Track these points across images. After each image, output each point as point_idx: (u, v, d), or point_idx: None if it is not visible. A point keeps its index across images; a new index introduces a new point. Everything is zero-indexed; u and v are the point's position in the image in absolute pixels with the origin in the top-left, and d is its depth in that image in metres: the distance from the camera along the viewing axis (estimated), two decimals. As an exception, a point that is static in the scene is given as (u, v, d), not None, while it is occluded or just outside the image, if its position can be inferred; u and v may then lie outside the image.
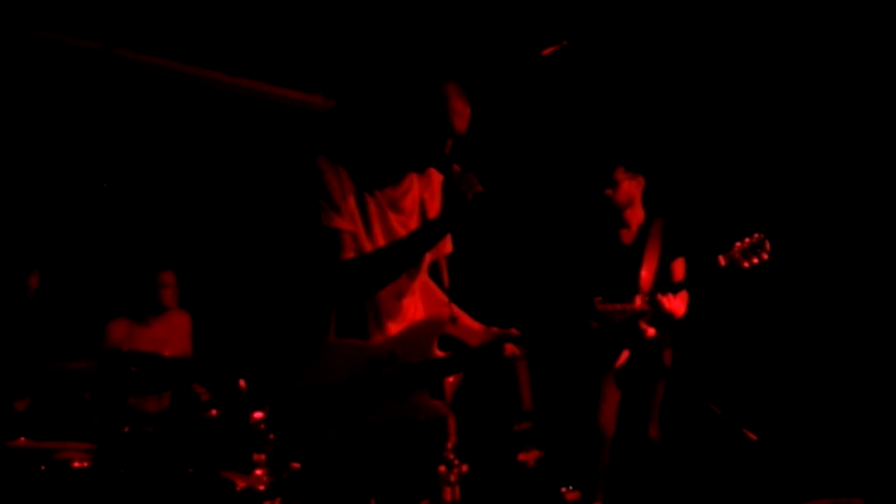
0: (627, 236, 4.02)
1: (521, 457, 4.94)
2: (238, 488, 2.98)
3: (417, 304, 2.34)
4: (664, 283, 3.79)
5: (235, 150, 4.61)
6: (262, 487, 2.96)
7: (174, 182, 4.44)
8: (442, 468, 4.94)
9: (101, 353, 3.04)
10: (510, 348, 2.24)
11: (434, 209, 2.33)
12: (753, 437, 2.93)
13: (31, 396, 3.64)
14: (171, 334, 3.99)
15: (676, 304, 3.64)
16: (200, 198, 4.46)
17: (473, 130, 2.22)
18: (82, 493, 2.96)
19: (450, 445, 4.92)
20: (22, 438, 3.10)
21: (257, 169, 4.60)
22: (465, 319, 2.37)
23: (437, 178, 2.38)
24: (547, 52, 4.57)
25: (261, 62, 4.54)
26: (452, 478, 4.90)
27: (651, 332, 3.87)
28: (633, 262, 3.90)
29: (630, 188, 3.96)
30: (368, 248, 2.17)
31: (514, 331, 2.26)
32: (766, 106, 4.52)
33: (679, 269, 3.93)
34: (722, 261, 3.55)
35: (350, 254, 2.13)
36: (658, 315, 3.64)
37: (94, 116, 4.15)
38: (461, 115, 2.15)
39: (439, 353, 2.24)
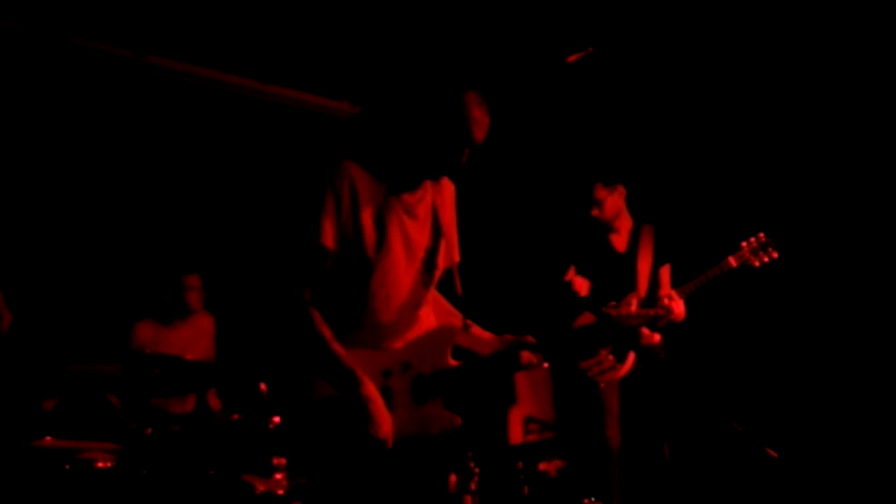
0: (620, 244, 4.03)
1: (542, 466, 4.90)
2: (258, 491, 3.00)
3: (431, 314, 2.33)
4: (656, 288, 3.84)
5: (263, 156, 4.66)
6: (281, 492, 2.98)
7: (202, 186, 4.49)
8: (461, 477, 4.90)
9: (125, 355, 3.07)
10: (526, 356, 2.21)
11: (447, 218, 2.31)
12: (774, 454, 2.93)
13: (59, 396, 3.70)
14: (196, 337, 4.04)
15: (681, 307, 3.68)
16: (228, 202, 4.51)
17: (492, 138, 2.21)
18: (105, 492, 3.00)
19: (469, 454, 4.89)
20: (48, 438, 3.16)
21: (284, 175, 4.64)
22: (475, 328, 2.35)
23: (448, 186, 2.37)
24: (572, 58, 4.55)
25: (289, 69, 4.59)
26: (472, 486, 4.87)
27: (657, 338, 3.90)
28: (627, 268, 3.93)
29: (614, 201, 3.98)
30: (380, 252, 2.14)
31: (529, 338, 2.22)
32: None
33: (666, 274, 3.94)
34: (733, 262, 3.61)
35: (314, 273, 2.08)
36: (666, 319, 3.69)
37: (124, 122, 4.22)
38: (480, 124, 2.13)
39: (453, 363, 2.22)
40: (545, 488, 4.78)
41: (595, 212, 3.96)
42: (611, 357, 3.89)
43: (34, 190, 3.93)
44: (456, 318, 2.36)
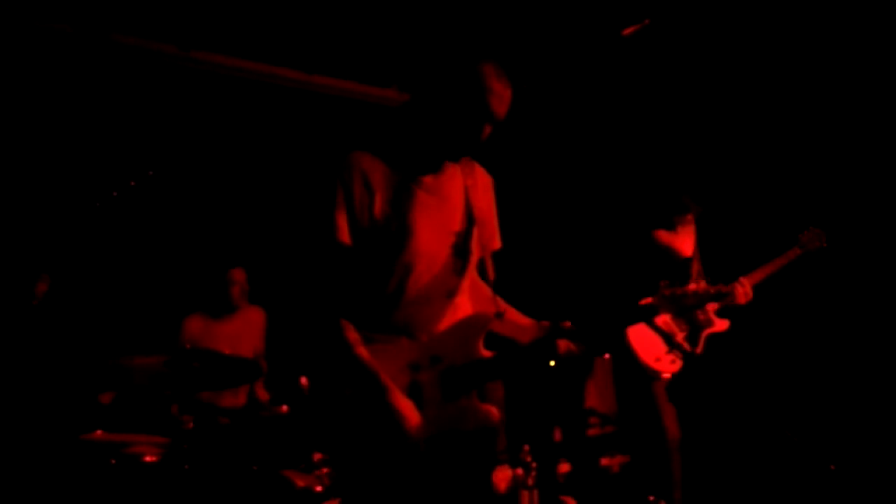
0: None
1: (605, 461, 4.69)
2: (297, 487, 2.95)
3: (466, 303, 2.18)
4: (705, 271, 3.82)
5: (313, 149, 4.62)
6: (319, 488, 2.91)
7: (251, 180, 4.49)
8: (519, 471, 4.72)
9: (166, 350, 3.07)
10: (564, 344, 2.04)
11: (481, 203, 2.16)
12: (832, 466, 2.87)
13: (116, 390, 3.76)
14: (245, 330, 4.03)
15: (749, 291, 3.68)
16: (276, 195, 4.49)
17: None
18: (150, 486, 3.00)
19: (527, 448, 4.69)
20: (99, 431, 3.20)
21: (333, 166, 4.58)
22: (513, 315, 2.19)
23: (482, 173, 2.23)
24: (628, 31, 4.31)
25: (334, 58, 4.52)
26: (530, 481, 4.67)
27: (725, 324, 3.81)
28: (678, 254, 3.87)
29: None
30: (403, 238, 2.03)
31: (567, 324, 2.05)
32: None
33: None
34: (798, 251, 3.77)
35: (338, 266, 1.99)
36: (731, 302, 3.68)
37: (173, 119, 4.25)
38: (499, 97, 1.97)
39: (486, 353, 2.07)
40: (608, 484, 4.58)
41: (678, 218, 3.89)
42: (683, 346, 3.74)
43: (89, 187, 3.99)
44: (492, 304, 2.20)
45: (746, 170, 4.70)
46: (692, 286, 2.09)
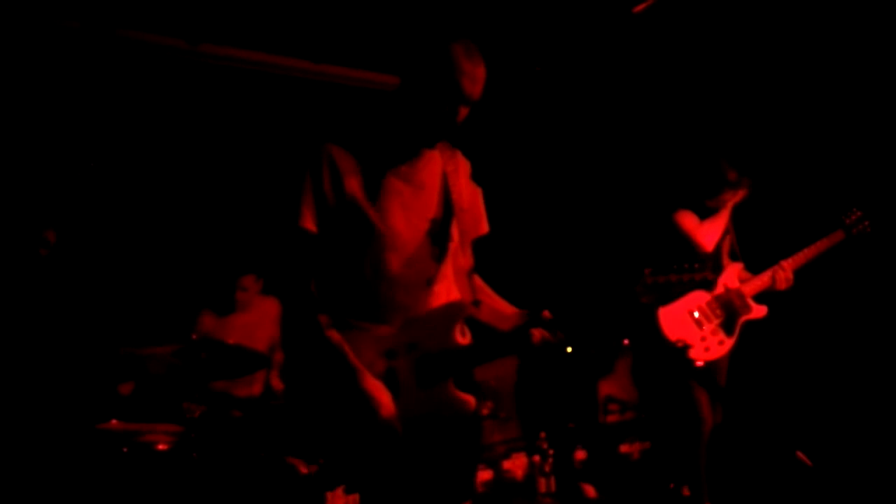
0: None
1: (624, 448, 4.64)
2: (301, 473, 2.98)
3: (451, 289, 2.16)
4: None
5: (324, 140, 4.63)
6: (304, 469, 2.95)
7: (262, 173, 4.52)
8: (536, 458, 4.70)
9: (177, 340, 3.14)
10: (538, 334, 2.01)
11: (460, 188, 2.14)
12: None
13: (135, 380, 3.85)
14: (259, 321, 4.07)
15: (790, 277, 3.55)
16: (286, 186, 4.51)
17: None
18: (164, 474, 3.08)
19: (542, 435, 4.67)
20: (114, 420, 3.29)
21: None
22: (495, 302, 2.17)
23: (463, 162, 2.21)
24: (639, 8, 4.21)
25: (341, 46, 4.52)
26: (547, 468, 4.64)
27: (764, 310, 3.67)
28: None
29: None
30: (376, 226, 2.03)
31: (545, 313, 2.02)
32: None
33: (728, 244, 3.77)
34: (841, 234, 3.56)
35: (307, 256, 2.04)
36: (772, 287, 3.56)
37: (183, 112, 4.30)
38: (471, 76, 1.94)
39: (461, 341, 2.06)
40: (628, 470, 4.53)
41: (729, 194, 3.69)
42: (713, 336, 3.65)
43: (105, 185, 4.08)
44: (481, 293, 2.19)
45: (785, 145, 4.45)
46: (675, 274, 2.02)
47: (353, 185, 2.01)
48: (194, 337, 3.12)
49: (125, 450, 3.05)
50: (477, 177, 2.27)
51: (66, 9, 3.78)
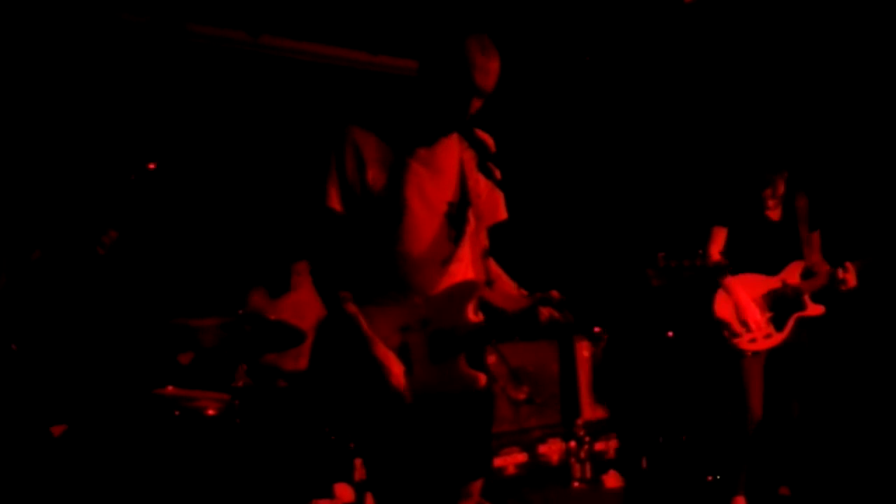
0: (774, 213, 3.84)
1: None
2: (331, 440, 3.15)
3: (467, 270, 2.27)
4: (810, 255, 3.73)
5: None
6: (353, 444, 3.11)
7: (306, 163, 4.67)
8: (572, 444, 4.76)
9: (222, 312, 3.35)
10: (546, 312, 2.09)
11: (476, 177, 2.23)
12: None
13: (194, 350, 4.12)
14: (309, 300, 4.27)
15: (853, 279, 3.54)
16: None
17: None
18: (212, 437, 3.31)
19: (580, 422, 4.73)
20: (170, 387, 3.54)
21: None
22: (505, 284, 2.26)
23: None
24: None
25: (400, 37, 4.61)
26: (583, 454, 4.70)
27: (820, 309, 3.68)
28: (785, 236, 3.77)
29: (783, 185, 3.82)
30: (395, 208, 2.14)
31: (554, 293, 2.09)
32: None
33: (816, 241, 3.81)
34: None
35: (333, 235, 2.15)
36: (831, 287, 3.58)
37: (239, 105, 4.49)
38: (484, 70, 2.03)
39: (474, 319, 2.16)
40: (668, 462, 4.52)
41: (768, 192, 3.79)
42: (763, 327, 3.65)
43: (167, 179, 4.31)
44: (504, 281, 2.28)
45: (850, 142, 4.39)
46: (688, 259, 2.07)
47: (375, 166, 2.13)
48: (240, 312, 3.31)
49: (177, 413, 3.29)
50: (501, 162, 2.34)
51: (132, 4, 4.02)
